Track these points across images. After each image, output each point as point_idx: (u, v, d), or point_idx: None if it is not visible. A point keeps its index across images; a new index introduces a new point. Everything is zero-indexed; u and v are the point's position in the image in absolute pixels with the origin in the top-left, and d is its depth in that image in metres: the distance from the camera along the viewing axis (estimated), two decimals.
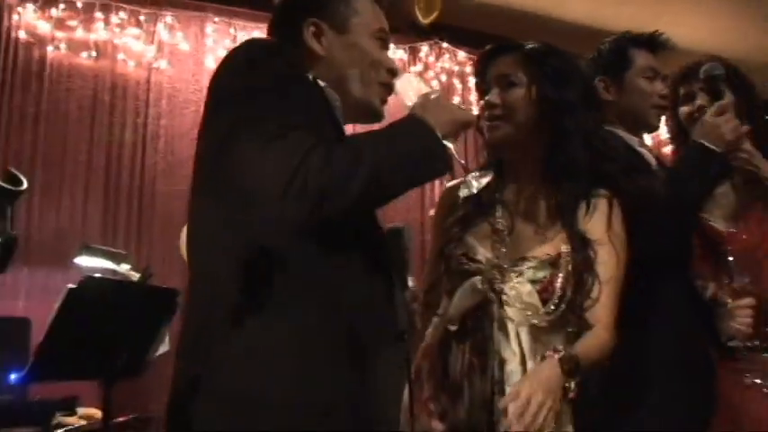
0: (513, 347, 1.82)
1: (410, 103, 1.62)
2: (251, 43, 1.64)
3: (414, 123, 1.50)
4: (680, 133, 2.48)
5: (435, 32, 4.90)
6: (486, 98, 1.95)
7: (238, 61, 1.54)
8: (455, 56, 4.86)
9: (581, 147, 1.90)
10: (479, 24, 5.19)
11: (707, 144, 2.18)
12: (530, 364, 1.80)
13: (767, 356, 2.24)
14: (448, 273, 1.94)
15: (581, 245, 1.87)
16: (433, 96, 1.59)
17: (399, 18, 4.74)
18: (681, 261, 2.28)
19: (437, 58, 4.89)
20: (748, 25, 5.72)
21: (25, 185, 1.60)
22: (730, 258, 2.21)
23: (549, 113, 1.90)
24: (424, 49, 4.91)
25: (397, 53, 4.79)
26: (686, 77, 2.49)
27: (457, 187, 2.05)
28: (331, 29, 1.66)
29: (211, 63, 4.52)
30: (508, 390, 1.75)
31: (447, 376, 1.88)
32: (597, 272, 1.85)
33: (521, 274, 1.85)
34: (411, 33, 4.86)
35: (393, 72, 1.72)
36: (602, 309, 1.85)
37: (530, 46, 1.99)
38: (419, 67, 4.86)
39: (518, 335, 1.83)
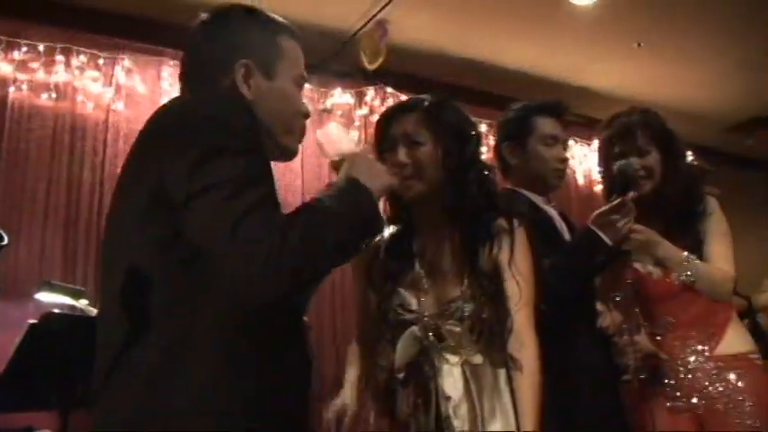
0: (456, 383, 2.02)
1: (331, 152, 1.77)
2: (221, 97, 1.60)
3: (361, 193, 1.56)
4: (614, 187, 2.59)
5: (381, 78, 5.11)
6: (396, 158, 2.09)
7: (210, 115, 1.50)
8: (399, 100, 5.06)
9: (484, 193, 2.12)
10: (423, 71, 5.45)
11: (599, 233, 2.39)
12: (475, 396, 2.01)
13: (684, 380, 2.53)
14: (388, 325, 2.12)
15: (488, 281, 2.08)
16: (364, 159, 1.68)
17: (346, 64, 4.97)
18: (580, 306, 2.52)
19: (382, 103, 5.09)
20: (677, 75, 6.05)
21: (6, 241, 1.72)
22: (617, 299, 2.48)
23: (455, 169, 2.10)
24: (370, 93, 5.12)
25: (343, 97, 5.01)
26: (619, 135, 2.67)
27: None
28: (259, 72, 1.66)
29: None
30: (456, 423, 1.98)
31: (394, 416, 2.08)
32: (507, 304, 2.07)
33: (451, 316, 2.07)
34: (357, 78, 5.07)
35: (307, 116, 1.79)
36: (520, 337, 2.07)
37: (427, 103, 2.17)
38: (365, 110, 5.07)
39: (459, 372, 2.03)
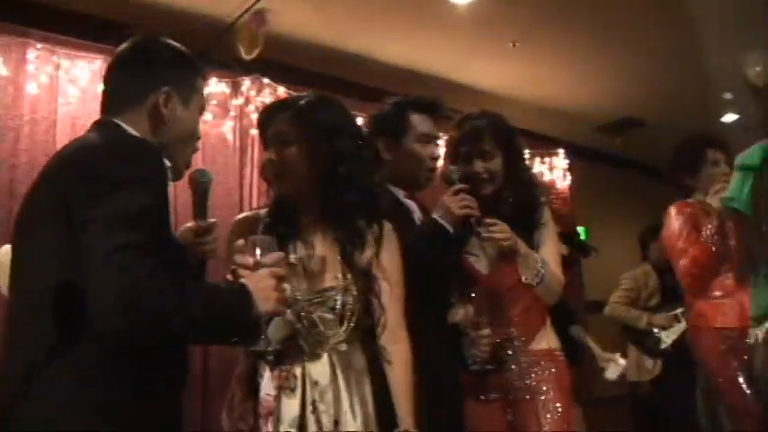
0: (324, 369, 2.09)
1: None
2: (128, 140, 1.82)
3: (244, 300, 1.70)
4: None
5: (257, 68, 5.02)
6: (266, 156, 2.20)
7: (117, 153, 1.71)
8: (275, 91, 5.02)
9: (356, 191, 2.16)
10: (301, 62, 5.43)
11: (439, 220, 2.48)
12: (341, 383, 2.07)
13: (503, 375, 2.66)
14: None
15: (361, 277, 2.15)
16: (265, 278, 1.78)
17: (223, 52, 4.89)
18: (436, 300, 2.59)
19: (258, 93, 5.00)
20: (550, 74, 6.23)
21: None
22: (473, 294, 2.58)
23: (323, 165, 2.15)
24: (246, 83, 5.01)
25: (219, 86, 4.91)
26: (467, 137, 2.77)
27: (249, 219, 2.31)
28: (177, 100, 1.94)
29: (33, 89, 4.41)
30: (322, 407, 2.04)
31: (258, 399, 2.11)
32: (379, 300, 2.16)
33: (323, 304, 2.12)
34: (233, 68, 4.97)
35: (200, 138, 2.07)
36: (393, 333, 2.16)
37: (303, 102, 2.22)
38: (240, 100, 4.99)
39: (327, 359, 2.10)
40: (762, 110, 6.08)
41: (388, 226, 2.26)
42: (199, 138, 2.06)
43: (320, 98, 2.28)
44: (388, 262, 2.21)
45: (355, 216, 2.18)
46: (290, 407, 2.05)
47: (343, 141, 2.18)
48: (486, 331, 2.57)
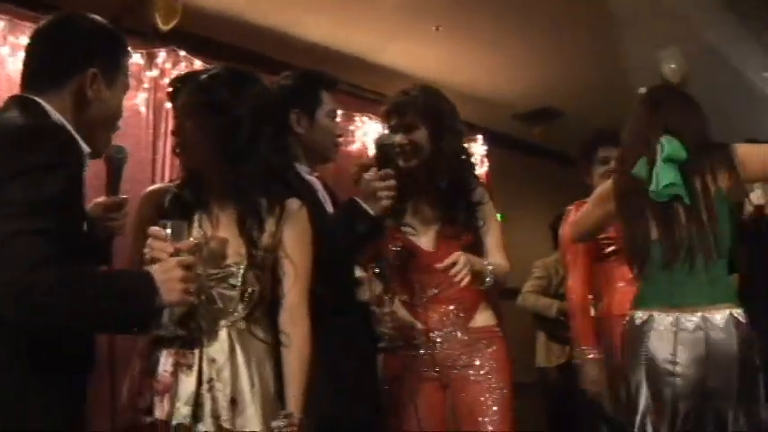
0: (222, 347, 2.06)
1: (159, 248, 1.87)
2: (43, 123, 1.79)
3: (148, 287, 1.73)
4: (383, 160, 2.74)
5: (174, 40, 4.86)
6: (171, 129, 2.15)
7: (27, 137, 1.69)
8: (192, 64, 4.85)
9: (255, 166, 2.13)
10: (219, 35, 5.31)
11: (361, 203, 2.44)
12: (240, 361, 2.05)
13: (439, 350, 2.70)
14: None
15: (263, 254, 2.13)
16: (172, 268, 1.80)
17: (138, 22, 4.72)
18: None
19: (174, 66, 4.81)
20: (472, 59, 6.25)
21: None
22: (377, 270, 2.57)
23: (221, 140, 2.12)
24: (162, 55, 4.83)
25: (133, 57, 4.73)
26: (393, 110, 2.82)
27: (159, 192, 2.27)
28: (102, 81, 1.92)
29: None
30: (218, 385, 2.01)
31: (156, 375, 2.08)
32: (282, 280, 2.14)
33: (224, 280, 2.09)
34: (149, 39, 4.80)
35: (122, 115, 2.07)
36: (292, 314, 2.14)
37: (204, 75, 2.20)
38: (155, 72, 4.81)
39: (226, 336, 2.08)
40: None
41: (296, 204, 2.22)
42: (121, 117, 2.05)
43: (225, 71, 2.24)
44: (292, 241, 2.18)
45: (254, 191, 2.14)
46: (187, 384, 2.03)
47: (241, 115, 2.13)
48: (389, 308, 2.56)
